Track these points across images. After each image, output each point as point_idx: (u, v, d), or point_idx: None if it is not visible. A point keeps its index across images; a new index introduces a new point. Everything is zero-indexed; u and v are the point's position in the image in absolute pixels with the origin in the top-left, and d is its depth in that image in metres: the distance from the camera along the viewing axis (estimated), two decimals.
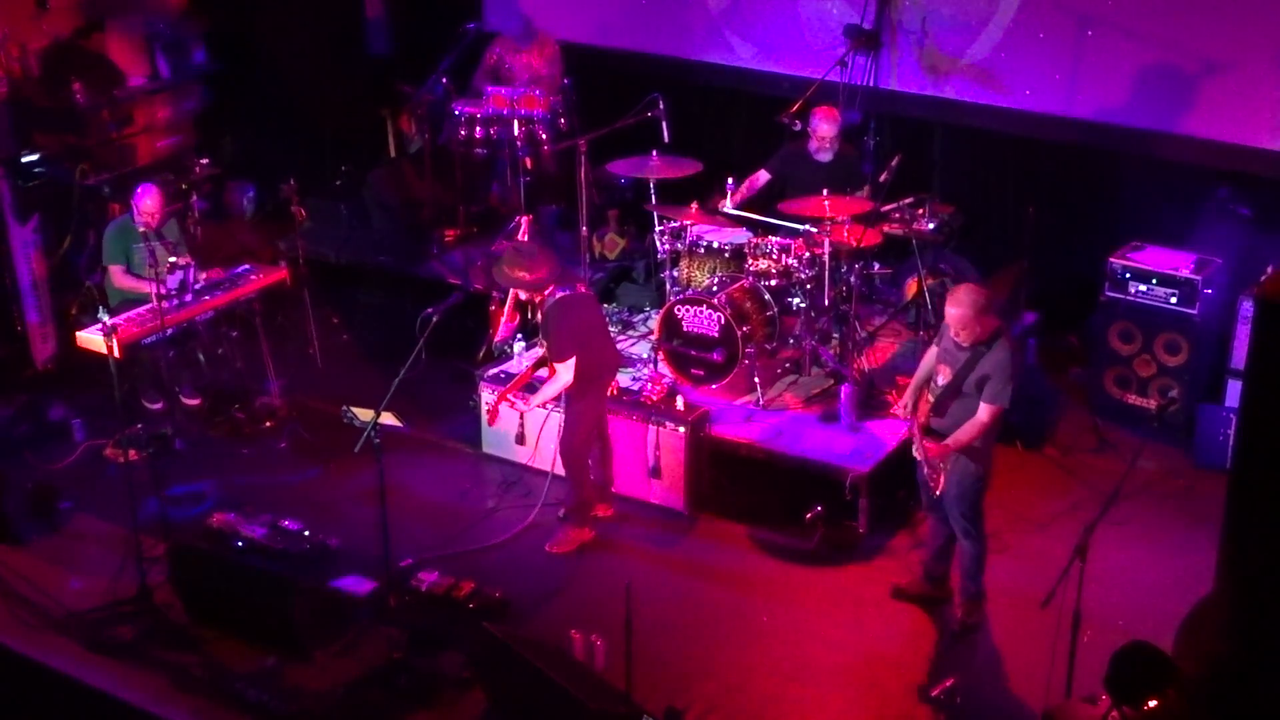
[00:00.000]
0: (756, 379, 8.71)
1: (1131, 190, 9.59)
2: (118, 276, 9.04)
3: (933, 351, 7.14)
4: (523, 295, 7.84)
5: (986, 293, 6.91)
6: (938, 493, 7.06)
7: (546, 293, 7.67)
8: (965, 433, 6.85)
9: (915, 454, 7.10)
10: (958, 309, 6.80)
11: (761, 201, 9.31)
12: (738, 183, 9.24)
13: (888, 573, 7.74)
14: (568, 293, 7.68)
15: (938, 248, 9.26)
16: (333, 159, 11.92)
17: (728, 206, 9.17)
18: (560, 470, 8.13)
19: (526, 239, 9.81)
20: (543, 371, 8.12)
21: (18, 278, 9.66)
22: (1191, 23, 9.21)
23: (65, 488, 8.43)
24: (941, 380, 6.98)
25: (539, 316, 7.77)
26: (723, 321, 8.53)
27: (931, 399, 7.02)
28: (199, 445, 9.05)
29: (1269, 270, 8.30)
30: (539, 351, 8.21)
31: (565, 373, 7.65)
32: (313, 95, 12.10)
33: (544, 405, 8.16)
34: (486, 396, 8.75)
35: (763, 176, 9.40)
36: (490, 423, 8.44)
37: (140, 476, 8.02)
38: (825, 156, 9.26)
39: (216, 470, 8.77)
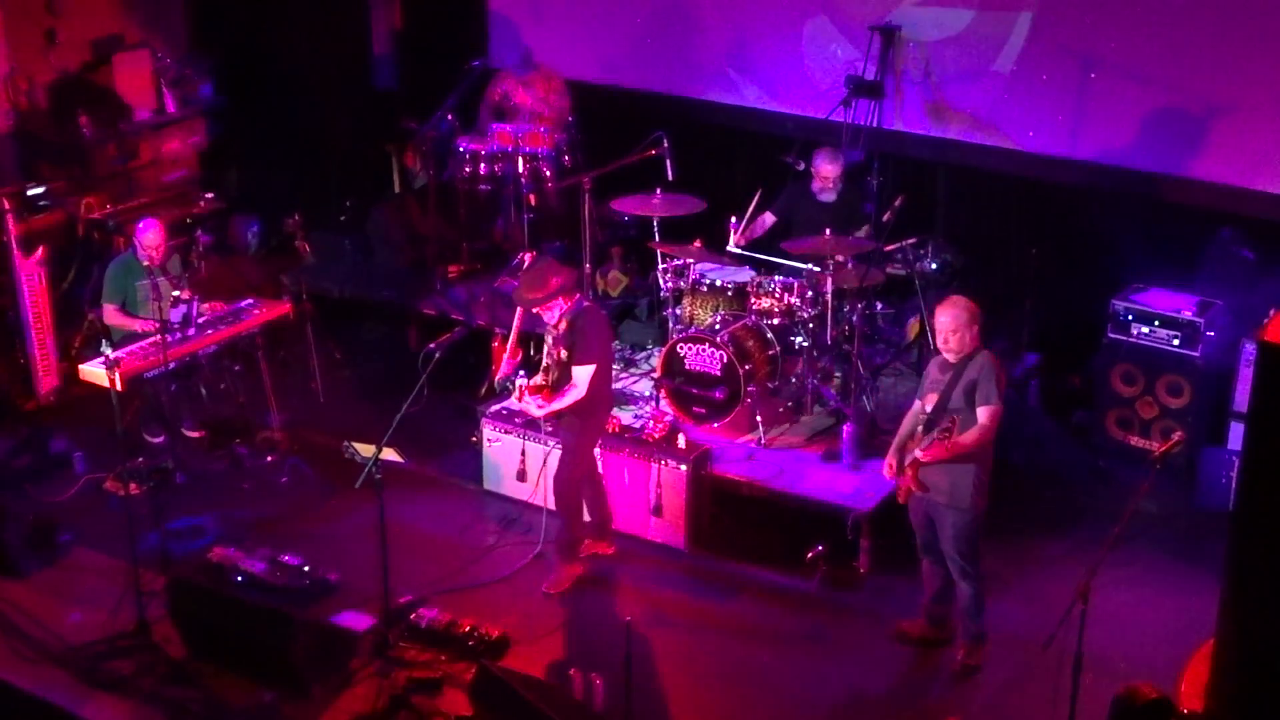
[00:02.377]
0: (758, 417, 8.70)
1: (1134, 232, 9.59)
2: (109, 314, 9.04)
3: (915, 407, 7.14)
4: (550, 317, 7.62)
5: (975, 305, 6.92)
6: (914, 493, 6.97)
7: (575, 300, 7.60)
8: (966, 437, 6.77)
9: (901, 499, 7.10)
10: (953, 309, 6.85)
11: (766, 241, 9.33)
12: (741, 221, 9.24)
13: (889, 613, 7.70)
14: (594, 304, 7.63)
15: (940, 288, 9.26)
16: (337, 194, 11.97)
17: (732, 245, 9.19)
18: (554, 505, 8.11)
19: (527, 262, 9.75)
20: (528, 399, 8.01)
21: (21, 310, 9.67)
22: (1194, 65, 9.25)
23: (65, 520, 8.39)
24: (929, 408, 6.97)
25: (563, 326, 7.59)
26: (725, 360, 8.54)
27: (922, 430, 6.98)
28: (200, 479, 9.03)
29: (1271, 313, 8.27)
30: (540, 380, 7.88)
31: (583, 380, 7.53)
32: (318, 130, 12.16)
33: (552, 414, 7.84)
34: (489, 433, 8.75)
35: (768, 219, 9.43)
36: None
37: (140, 510, 8.02)
38: (829, 197, 9.29)
39: (217, 504, 8.75)
